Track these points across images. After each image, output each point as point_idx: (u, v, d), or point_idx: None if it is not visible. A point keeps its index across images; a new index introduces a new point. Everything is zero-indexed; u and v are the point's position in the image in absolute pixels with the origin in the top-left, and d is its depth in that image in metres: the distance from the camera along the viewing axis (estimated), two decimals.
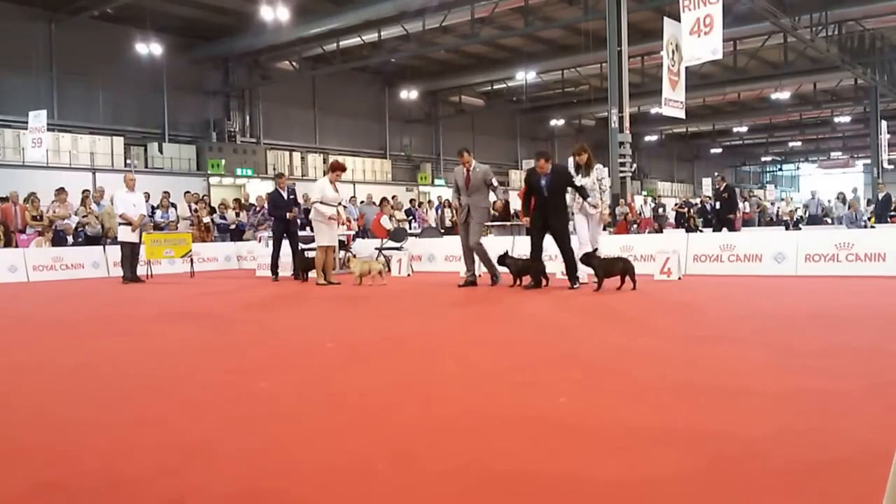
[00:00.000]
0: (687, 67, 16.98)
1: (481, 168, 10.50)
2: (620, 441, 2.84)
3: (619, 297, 8.63)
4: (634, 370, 4.25)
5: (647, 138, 47.02)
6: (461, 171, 10.50)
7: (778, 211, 31.33)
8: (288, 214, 12.51)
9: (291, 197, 12.93)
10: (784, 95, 36.62)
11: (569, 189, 9.81)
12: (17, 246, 14.81)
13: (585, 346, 5.20)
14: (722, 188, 18.05)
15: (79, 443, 3.07)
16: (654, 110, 34.10)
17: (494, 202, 12.39)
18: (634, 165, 18.85)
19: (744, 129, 48.17)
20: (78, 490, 2.48)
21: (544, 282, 9.78)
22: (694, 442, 2.80)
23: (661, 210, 25.94)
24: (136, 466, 2.69)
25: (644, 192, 37.03)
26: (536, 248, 9.66)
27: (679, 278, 10.42)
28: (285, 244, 12.52)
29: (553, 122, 42.34)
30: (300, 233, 13.09)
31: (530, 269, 9.86)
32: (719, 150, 56.18)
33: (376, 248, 14.17)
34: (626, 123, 17.26)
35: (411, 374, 4.38)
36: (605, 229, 11.88)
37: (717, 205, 18.25)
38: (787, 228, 23.70)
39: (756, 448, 2.69)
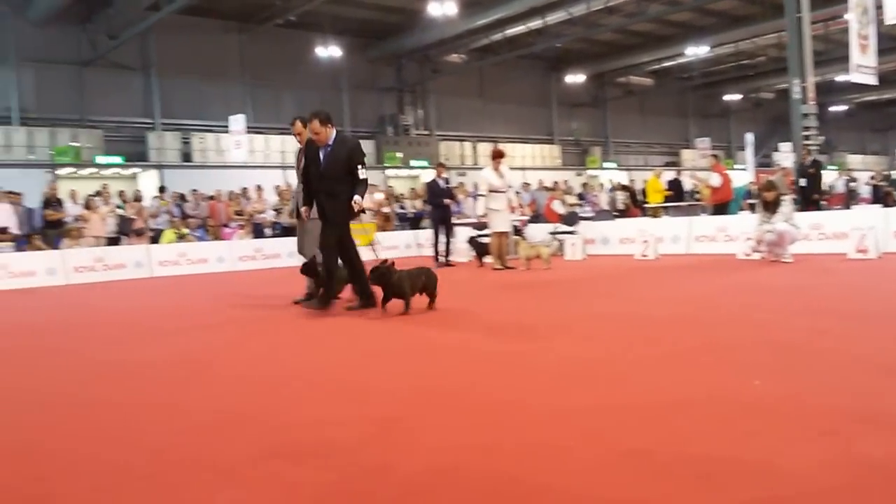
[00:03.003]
0: (879, 30, 15.73)
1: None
2: (825, 425, 2.74)
3: (807, 276, 8.25)
4: (833, 352, 4.06)
5: (834, 108, 43.66)
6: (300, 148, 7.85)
7: None
8: (445, 202, 13.03)
9: (448, 186, 13.39)
10: None
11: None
12: (222, 239, 16.30)
13: (774, 328, 4.98)
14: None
15: (285, 415, 3.36)
16: (840, 78, 31.68)
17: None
18: (822, 138, 17.65)
19: None
20: (295, 456, 2.73)
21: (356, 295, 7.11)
22: None
23: (852, 184, 24.14)
24: (341, 436, 2.91)
25: (835, 167, 34.52)
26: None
27: (878, 257, 9.78)
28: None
29: (727, 98, 40.38)
30: (470, 220, 13.53)
31: (327, 279, 7.05)
32: None
33: (550, 233, 14.31)
34: (811, 94, 16.21)
35: (594, 355, 4.40)
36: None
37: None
38: None
39: None
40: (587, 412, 3.15)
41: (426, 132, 30.94)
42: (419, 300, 6.72)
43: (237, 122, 21.01)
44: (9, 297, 11.58)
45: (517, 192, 13.46)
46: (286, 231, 16.58)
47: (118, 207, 15.92)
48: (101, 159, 22.81)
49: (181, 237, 15.58)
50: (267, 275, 13.55)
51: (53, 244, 14.64)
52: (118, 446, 3.03)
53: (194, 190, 18.63)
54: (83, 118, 23.58)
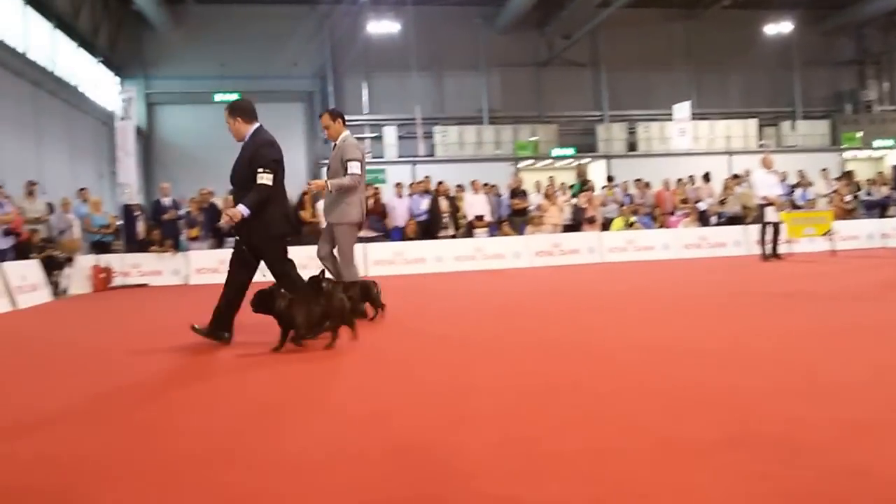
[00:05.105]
0: None
1: (349, 142, 6.79)
2: None
3: None
4: None
5: None
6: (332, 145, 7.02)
7: None
8: None
9: None
10: None
11: None
12: (668, 227, 16.79)
13: None
14: None
15: (754, 407, 3.47)
16: None
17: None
18: None
19: None
20: (760, 448, 2.85)
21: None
22: None
23: None
24: (811, 435, 2.99)
25: None
26: (233, 283, 5.57)
27: None
28: None
29: None
30: None
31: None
32: None
33: None
34: None
35: None
36: None
37: None
38: None
39: None
40: None
41: (893, 107, 27.60)
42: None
43: (682, 109, 21.36)
44: (486, 276, 13.50)
45: None
46: (731, 220, 16.46)
47: (573, 196, 17.40)
48: (555, 151, 25.01)
49: (629, 225, 16.46)
50: (711, 263, 13.65)
51: (519, 230, 16.62)
52: (589, 422, 3.55)
53: (637, 179, 19.38)
54: (541, 114, 26.10)
